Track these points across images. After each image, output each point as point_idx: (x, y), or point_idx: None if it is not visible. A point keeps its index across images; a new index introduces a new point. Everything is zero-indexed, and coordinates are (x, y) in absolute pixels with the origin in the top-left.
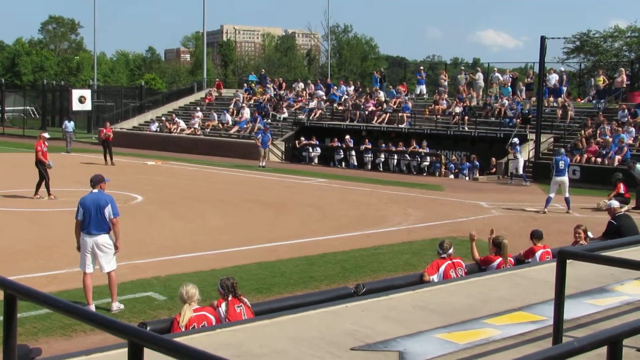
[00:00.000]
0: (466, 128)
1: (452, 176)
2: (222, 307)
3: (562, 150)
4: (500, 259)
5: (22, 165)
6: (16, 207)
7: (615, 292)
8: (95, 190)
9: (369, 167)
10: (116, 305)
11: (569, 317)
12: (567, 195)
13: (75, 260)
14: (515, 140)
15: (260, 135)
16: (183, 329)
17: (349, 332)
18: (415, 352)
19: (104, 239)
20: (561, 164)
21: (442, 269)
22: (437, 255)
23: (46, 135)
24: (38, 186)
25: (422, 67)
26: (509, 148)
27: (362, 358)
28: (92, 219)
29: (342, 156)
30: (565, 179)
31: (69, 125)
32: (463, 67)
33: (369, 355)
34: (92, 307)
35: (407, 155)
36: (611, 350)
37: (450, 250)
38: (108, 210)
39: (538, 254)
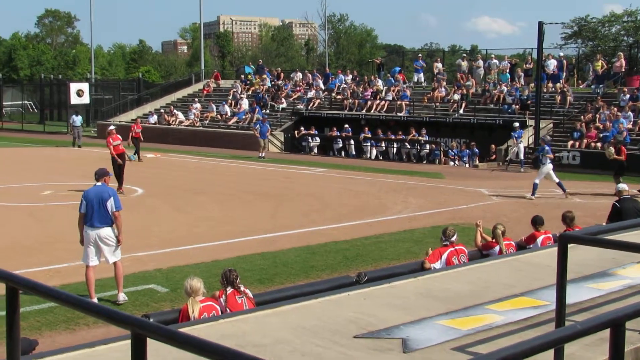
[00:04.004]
0: (462, 113)
1: (451, 163)
2: (222, 298)
3: (548, 138)
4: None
5: (21, 160)
6: (17, 202)
7: (617, 275)
8: (99, 184)
9: (369, 156)
10: (122, 296)
11: (571, 302)
12: (556, 180)
13: (77, 254)
14: (516, 124)
15: (258, 125)
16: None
17: (352, 320)
18: (419, 339)
19: (106, 232)
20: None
21: (444, 256)
22: (439, 242)
23: (112, 127)
24: (119, 180)
25: (420, 55)
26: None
27: (365, 346)
28: (95, 212)
29: (342, 145)
30: (547, 166)
31: (77, 119)
32: (465, 54)
33: (372, 342)
34: (95, 301)
35: (406, 144)
36: (614, 333)
37: (453, 238)
38: (110, 204)
39: (539, 239)
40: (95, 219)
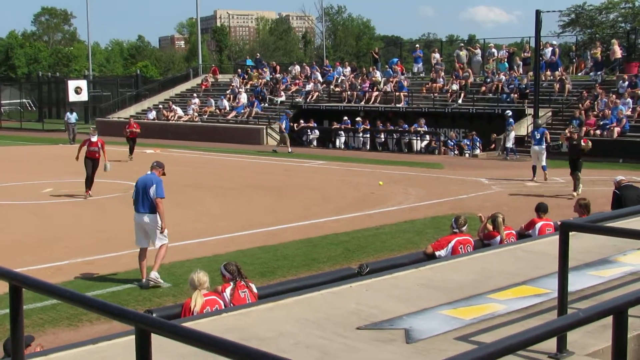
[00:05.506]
0: (461, 103)
1: (451, 153)
2: (227, 292)
3: (539, 122)
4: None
5: (21, 158)
6: (18, 200)
7: (619, 262)
8: (149, 172)
9: (368, 147)
10: (154, 274)
11: (573, 289)
12: (543, 164)
13: (78, 252)
14: (508, 112)
15: (284, 120)
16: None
17: (354, 312)
18: (421, 329)
19: (148, 218)
20: (537, 135)
21: (451, 244)
22: (450, 229)
23: (93, 138)
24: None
25: (417, 46)
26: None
27: (368, 337)
28: (140, 198)
29: (341, 137)
30: (539, 147)
31: (71, 116)
32: (463, 44)
33: (375, 333)
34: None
35: (405, 134)
36: (616, 320)
37: (464, 227)
38: (152, 190)
39: (538, 225)
40: (139, 204)
